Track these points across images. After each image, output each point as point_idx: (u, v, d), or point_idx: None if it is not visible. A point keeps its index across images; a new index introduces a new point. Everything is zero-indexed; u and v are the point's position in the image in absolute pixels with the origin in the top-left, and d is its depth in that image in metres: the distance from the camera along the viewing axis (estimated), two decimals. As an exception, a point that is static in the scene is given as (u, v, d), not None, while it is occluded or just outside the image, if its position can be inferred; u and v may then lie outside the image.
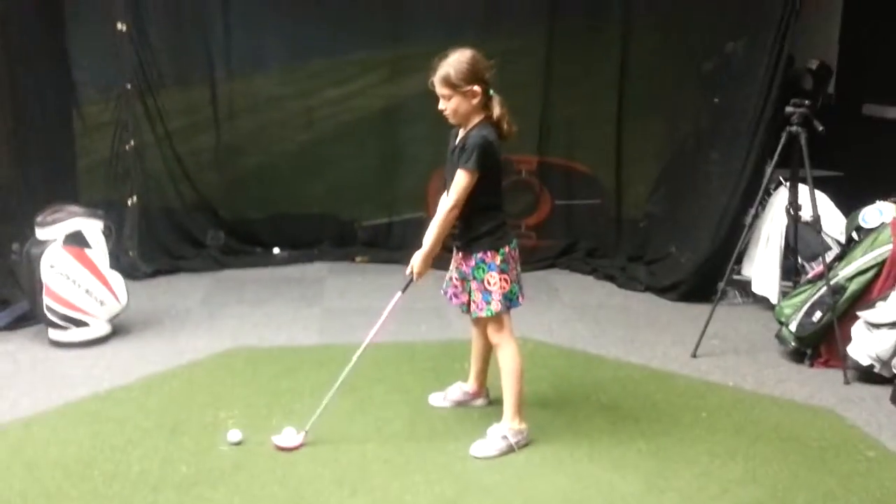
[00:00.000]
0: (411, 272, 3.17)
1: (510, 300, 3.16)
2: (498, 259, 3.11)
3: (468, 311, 3.25)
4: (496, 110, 3.06)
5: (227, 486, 2.95)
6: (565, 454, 3.19)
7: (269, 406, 3.55)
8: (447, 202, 3.07)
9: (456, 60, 3.02)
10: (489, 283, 3.12)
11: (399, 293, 3.24)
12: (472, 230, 3.14)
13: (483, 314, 3.16)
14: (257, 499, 2.88)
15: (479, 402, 3.57)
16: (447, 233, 3.13)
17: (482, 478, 3.03)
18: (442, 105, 3.08)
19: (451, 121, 3.12)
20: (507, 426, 3.20)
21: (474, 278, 3.16)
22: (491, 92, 3.06)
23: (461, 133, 3.13)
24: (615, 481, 3.00)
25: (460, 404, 3.57)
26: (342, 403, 3.58)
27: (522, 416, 3.24)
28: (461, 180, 3.02)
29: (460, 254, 3.23)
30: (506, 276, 3.12)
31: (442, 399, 3.60)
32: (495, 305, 3.13)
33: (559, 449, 3.23)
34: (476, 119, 3.07)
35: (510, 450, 3.17)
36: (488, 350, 3.39)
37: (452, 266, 3.31)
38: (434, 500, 2.89)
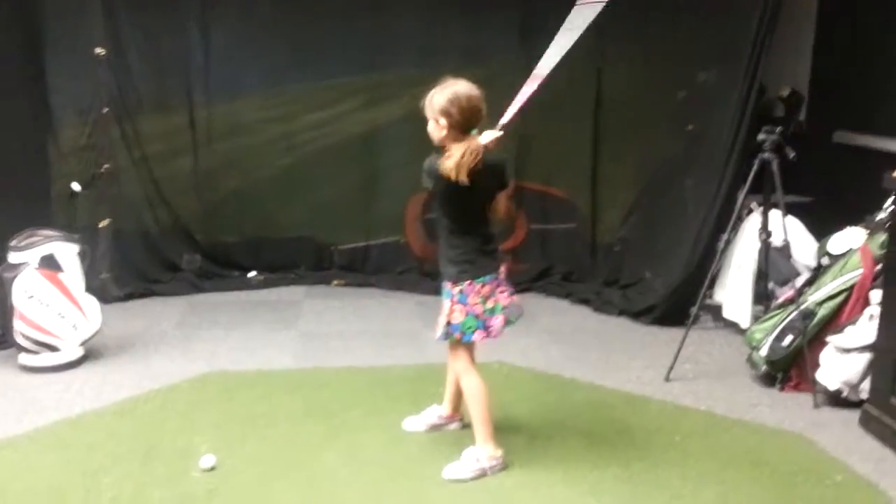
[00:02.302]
0: None
1: (462, 332, 3.16)
2: (456, 290, 3.15)
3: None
4: (451, 157, 3.00)
5: (199, 512, 2.93)
6: (540, 478, 3.20)
7: (243, 431, 3.54)
8: None
9: (440, 89, 3.10)
10: (443, 309, 3.19)
11: None
12: (442, 257, 3.23)
13: (436, 337, 3.26)
14: (229, 525, 2.87)
15: (454, 426, 3.58)
16: None
17: (457, 503, 3.03)
18: (428, 126, 3.18)
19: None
20: (481, 450, 3.21)
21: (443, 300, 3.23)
22: (473, 132, 3.08)
23: None
24: (588, 506, 3.01)
25: (435, 428, 3.58)
26: (317, 428, 3.59)
27: (496, 442, 3.25)
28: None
29: None
30: (461, 308, 3.15)
31: (417, 423, 3.60)
32: (439, 331, 3.21)
33: (534, 473, 3.23)
34: (448, 146, 3.10)
35: (483, 474, 3.18)
36: None
37: None
38: (407, 525, 2.88)
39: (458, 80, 3.13)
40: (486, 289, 3.17)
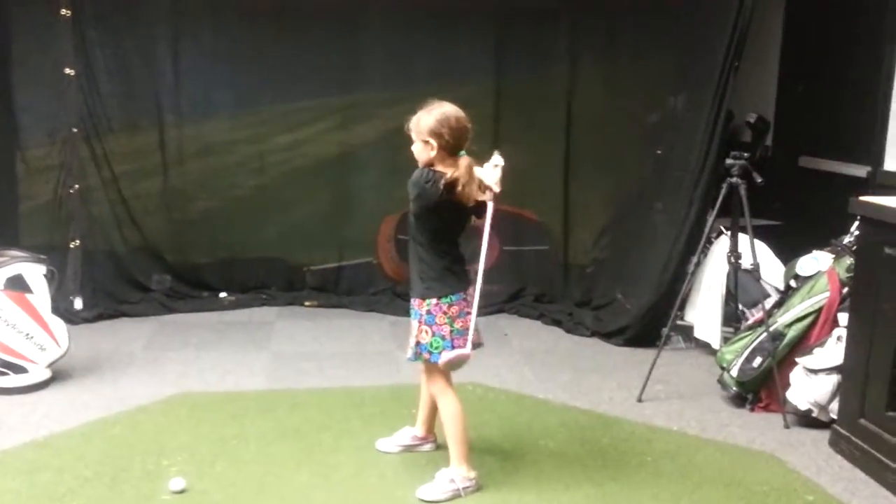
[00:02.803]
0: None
1: (429, 352, 3.15)
2: (423, 308, 3.16)
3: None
4: (453, 171, 3.06)
5: (169, 535, 2.89)
6: (514, 499, 3.19)
7: (213, 453, 3.49)
8: None
9: (426, 111, 3.13)
10: (412, 328, 3.20)
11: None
12: (412, 273, 3.23)
13: (406, 356, 3.28)
14: (200, 548, 2.83)
15: (428, 447, 3.57)
16: None
17: (430, 524, 3.02)
18: (413, 147, 3.19)
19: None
20: (455, 471, 3.20)
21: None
22: (461, 153, 3.11)
23: None
24: (562, 527, 3.01)
25: (408, 449, 3.56)
26: (289, 450, 3.55)
27: (471, 463, 3.24)
28: None
29: None
30: (427, 329, 3.15)
31: (390, 444, 3.58)
32: (409, 351, 3.23)
33: (507, 494, 3.23)
34: (438, 168, 3.12)
35: (457, 495, 3.16)
36: None
37: None
38: (381, 547, 2.86)
39: (442, 102, 3.15)
40: (454, 308, 3.17)
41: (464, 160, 3.09)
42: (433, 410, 3.49)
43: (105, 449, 3.53)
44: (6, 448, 3.51)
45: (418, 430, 3.58)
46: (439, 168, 3.10)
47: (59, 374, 4.30)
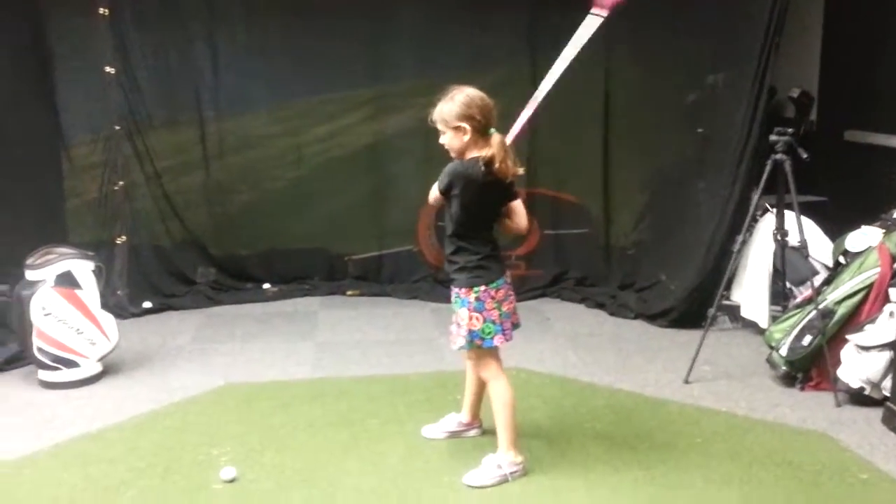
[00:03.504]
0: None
1: (482, 338, 3.16)
2: (471, 296, 3.14)
3: None
4: (489, 150, 3.08)
5: (221, 523, 2.93)
6: (561, 484, 3.18)
7: (262, 442, 3.53)
8: None
9: (450, 98, 3.10)
10: (461, 317, 3.17)
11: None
12: (453, 265, 3.20)
13: (453, 346, 3.26)
14: (253, 536, 2.86)
15: (473, 432, 3.57)
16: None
17: (478, 509, 3.02)
18: (441, 139, 3.16)
19: (451, 154, 3.17)
20: (503, 456, 3.20)
21: (454, 310, 3.22)
22: (492, 131, 3.10)
23: None
24: (612, 510, 3.00)
25: (454, 435, 3.56)
26: (336, 437, 3.58)
27: (518, 448, 3.24)
28: (433, 191, 3.18)
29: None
30: (478, 315, 3.14)
31: (436, 431, 3.59)
32: (460, 341, 3.19)
33: (555, 479, 3.22)
34: (471, 154, 3.11)
35: (504, 480, 3.16)
36: (481, 381, 3.40)
37: None
38: (431, 532, 2.88)
39: (460, 87, 3.14)
40: (500, 293, 3.19)
41: (496, 137, 3.10)
42: (479, 396, 3.49)
43: (156, 440, 3.58)
44: (60, 441, 3.59)
45: (464, 416, 3.58)
46: (471, 155, 3.09)
47: (109, 368, 4.38)
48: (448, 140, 3.13)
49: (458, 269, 3.18)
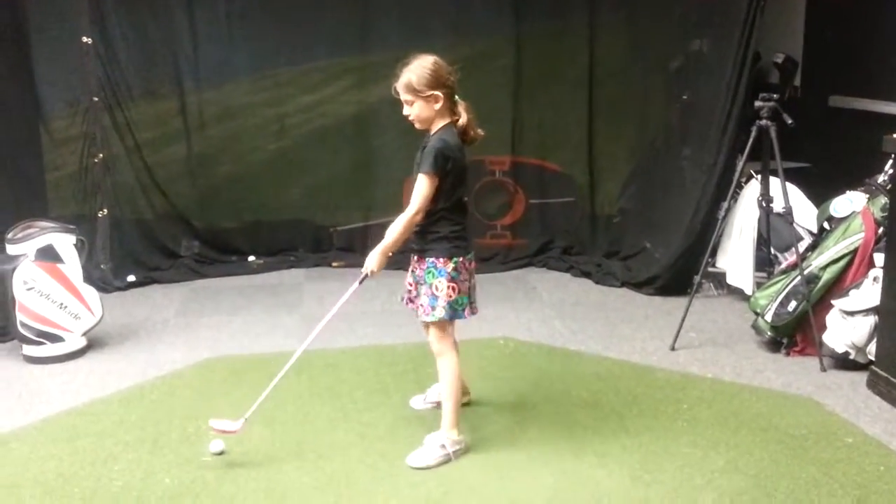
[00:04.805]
0: (367, 270, 3.14)
1: (454, 310, 3.13)
2: (450, 266, 3.10)
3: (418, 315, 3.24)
4: (462, 116, 3.06)
5: (211, 497, 2.92)
6: (549, 451, 3.20)
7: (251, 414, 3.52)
8: (409, 207, 3.05)
9: (417, 66, 3.03)
10: (437, 288, 3.11)
11: (356, 284, 3.21)
12: (428, 234, 3.13)
13: (427, 318, 3.16)
14: (242, 508, 2.86)
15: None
16: (405, 238, 3.11)
17: (467, 477, 3.03)
18: (406, 111, 3.09)
19: (417, 126, 3.12)
20: (445, 435, 3.17)
21: (425, 282, 3.15)
22: (456, 97, 3.07)
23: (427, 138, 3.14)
24: (600, 477, 3.01)
25: (440, 406, 3.55)
26: (324, 409, 3.58)
27: (460, 427, 3.21)
28: (420, 185, 3.02)
29: (416, 257, 3.21)
30: (454, 285, 3.11)
31: (422, 401, 3.59)
32: (439, 311, 3.12)
33: (543, 446, 3.24)
34: (440, 124, 3.07)
35: (447, 459, 3.14)
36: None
37: (409, 270, 3.29)
38: (420, 502, 2.88)
39: (417, 55, 3.07)
40: (473, 265, 3.20)
41: (462, 103, 3.08)
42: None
43: (144, 414, 3.57)
44: (47, 416, 3.57)
45: None
46: (442, 123, 3.06)
47: (94, 343, 4.36)
48: (417, 110, 3.05)
49: (436, 239, 3.12)
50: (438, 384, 3.56)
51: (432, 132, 3.10)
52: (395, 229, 3.07)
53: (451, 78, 3.04)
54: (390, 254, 3.11)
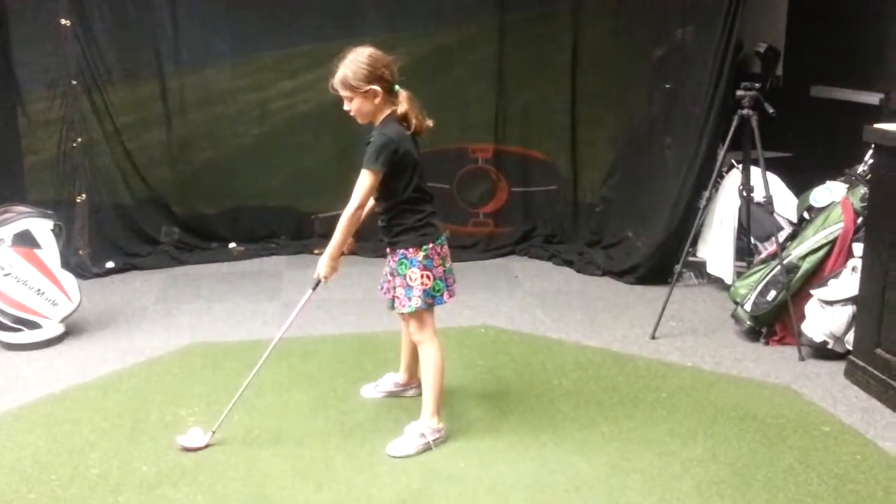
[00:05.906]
0: (318, 276, 3.12)
1: (433, 297, 3.12)
2: (420, 255, 3.09)
3: (393, 307, 3.21)
4: (402, 106, 3.02)
5: (189, 485, 2.91)
6: (530, 439, 3.21)
7: (229, 402, 3.50)
8: (350, 204, 3.02)
9: (352, 61, 2.99)
10: (411, 278, 3.10)
11: (310, 291, 3.19)
12: (394, 227, 3.11)
13: (404, 310, 3.14)
14: (221, 497, 2.84)
15: (411, 392, 3.53)
16: (350, 234, 3.09)
17: (447, 466, 3.03)
18: (346, 106, 3.06)
19: (359, 121, 3.09)
20: (426, 424, 3.17)
21: (398, 274, 3.13)
22: (396, 88, 3.03)
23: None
24: (580, 464, 3.02)
25: (392, 395, 3.55)
26: (303, 397, 3.57)
27: (441, 415, 3.21)
28: (362, 180, 2.99)
29: (388, 249, 3.20)
30: (428, 273, 3.09)
31: (373, 391, 3.58)
32: (416, 301, 3.10)
33: (523, 434, 3.24)
34: (381, 116, 3.05)
35: (427, 448, 3.13)
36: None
37: (386, 262, 3.28)
38: (400, 490, 2.88)
39: (352, 48, 3.04)
40: (445, 249, 3.18)
41: (403, 93, 3.03)
42: (415, 356, 3.39)
43: (122, 401, 3.55)
44: (24, 402, 3.54)
45: (400, 376, 3.56)
46: (383, 116, 3.03)
47: (72, 329, 4.32)
48: (357, 106, 3.02)
49: (403, 230, 3.10)
50: (391, 374, 3.59)
51: (376, 125, 3.07)
52: (339, 228, 3.05)
53: (388, 70, 3.00)
54: (342, 253, 3.12)
